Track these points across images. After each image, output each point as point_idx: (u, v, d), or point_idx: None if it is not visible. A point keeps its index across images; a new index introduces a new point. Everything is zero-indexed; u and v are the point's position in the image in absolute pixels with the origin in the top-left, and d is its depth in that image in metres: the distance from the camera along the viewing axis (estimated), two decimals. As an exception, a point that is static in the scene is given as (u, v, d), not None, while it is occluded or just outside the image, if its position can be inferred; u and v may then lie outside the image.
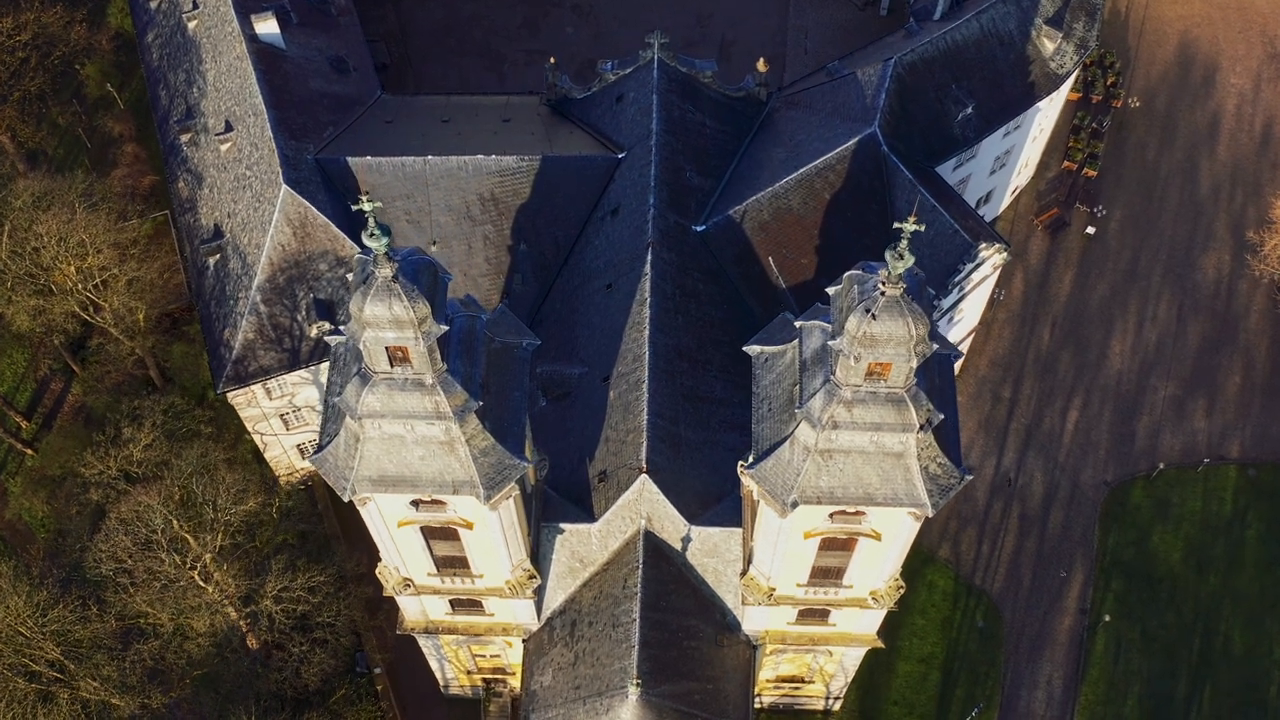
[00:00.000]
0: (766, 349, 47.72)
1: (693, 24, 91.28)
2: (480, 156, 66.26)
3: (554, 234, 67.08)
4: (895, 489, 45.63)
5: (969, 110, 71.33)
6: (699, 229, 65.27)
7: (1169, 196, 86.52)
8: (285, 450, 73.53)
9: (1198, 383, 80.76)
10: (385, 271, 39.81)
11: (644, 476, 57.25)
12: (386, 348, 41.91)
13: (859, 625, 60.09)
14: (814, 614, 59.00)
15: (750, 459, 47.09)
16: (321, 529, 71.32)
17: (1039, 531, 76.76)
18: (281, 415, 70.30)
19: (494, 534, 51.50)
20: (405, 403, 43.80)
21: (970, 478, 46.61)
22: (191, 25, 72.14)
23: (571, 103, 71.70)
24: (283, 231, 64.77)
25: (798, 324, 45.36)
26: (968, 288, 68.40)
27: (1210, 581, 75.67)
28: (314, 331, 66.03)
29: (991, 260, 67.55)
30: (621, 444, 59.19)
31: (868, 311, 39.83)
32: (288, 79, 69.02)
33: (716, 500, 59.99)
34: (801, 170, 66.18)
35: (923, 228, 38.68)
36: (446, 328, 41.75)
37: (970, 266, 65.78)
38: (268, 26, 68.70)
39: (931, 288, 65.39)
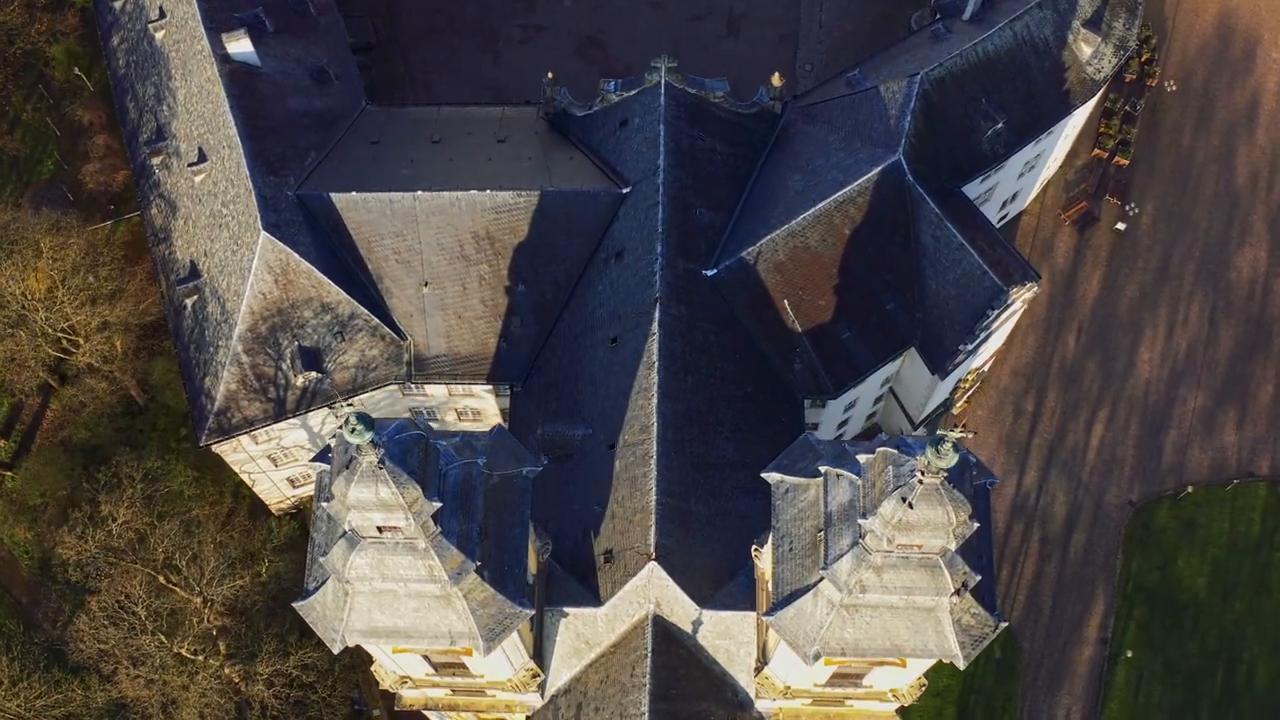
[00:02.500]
0: (788, 479, 44.03)
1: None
2: (474, 192, 61.54)
3: (554, 274, 62.76)
4: (925, 641, 42.48)
5: (1000, 126, 66.31)
6: (710, 273, 61.01)
7: (1204, 186, 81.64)
8: (275, 484, 70.26)
9: (1229, 393, 77.12)
10: (370, 458, 35.96)
11: (652, 564, 54.24)
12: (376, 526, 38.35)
13: (877, 706, 57.54)
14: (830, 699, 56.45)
15: (770, 605, 43.83)
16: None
17: (1060, 556, 73.99)
18: (269, 455, 66.85)
19: (495, 654, 48.50)
20: (396, 566, 40.37)
21: (1005, 624, 43.38)
22: (159, 36, 66.57)
23: (571, 120, 66.60)
24: (263, 279, 60.49)
25: (822, 469, 41.61)
26: (995, 326, 64.23)
27: (1236, 608, 73.17)
28: (300, 381, 62.20)
29: (1022, 297, 63.36)
30: (628, 523, 55.96)
31: (904, 500, 36.11)
32: (264, 101, 63.84)
33: (730, 576, 56.99)
34: (820, 205, 61.72)
35: (970, 436, 34.76)
36: (439, 504, 38.06)
37: (998, 311, 61.59)
38: (240, 45, 63.26)
39: (958, 333, 61.79)
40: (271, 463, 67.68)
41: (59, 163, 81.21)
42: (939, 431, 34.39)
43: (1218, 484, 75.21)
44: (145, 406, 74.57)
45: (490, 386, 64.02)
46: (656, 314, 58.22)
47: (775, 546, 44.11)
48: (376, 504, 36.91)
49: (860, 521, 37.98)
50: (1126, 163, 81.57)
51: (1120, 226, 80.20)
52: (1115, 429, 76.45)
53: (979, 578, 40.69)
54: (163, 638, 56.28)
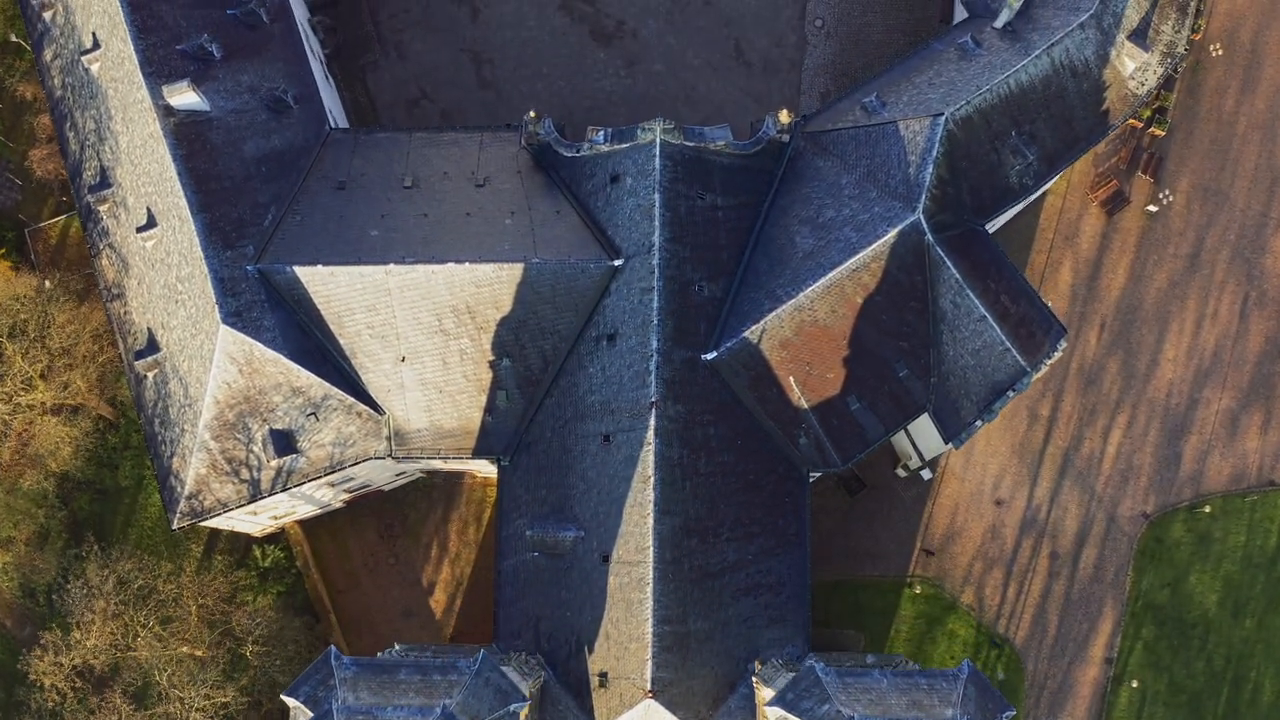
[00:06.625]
0: (790, 718, 41.24)
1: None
2: (451, 265, 56.22)
3: (541, 348, 58.10)
4: None
5: (1031, 160, 60.27)
6: (709, 357, 56.38)
7: (1245, 159, 75.31)
8: (255, 522, 67.44)
9: (1255, 394, 73.26)
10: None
11: (649, 701, 52.16)
12: None
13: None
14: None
15: None
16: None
17: (1069, 573, 71.89)
18: (248, 512, 63.78)
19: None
20: None
21: None
22: (94, 68, 59.48)
23: (558, 159, 60.27)
24: (226, 370, 55.99)
25: (830, 748, 38.84)
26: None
27: (1246, 625, 71.62)
28: (274, 463, 58.50)
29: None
30: (624, 649, 53.61)
31: None
32: (215, 156, 57.53)
33: (730, 688, 55.21)
34: (830, 275, 56.74)
35: None
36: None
37: (1017, 394, 57.40)
38: (184, 98, 56.47)
39: (975, 405, 57.88)
40: (251, 514, 64.65)
41: (3, 143, 74.67)
42: None
43: (1236, 494, 72.37)
44: (116, 423, 70.93)
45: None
46: (652, 421, 54.15)
47: (778, 786, 41.78)
48: None
49: None
50: (1162, 133, 74.94)
51: (1152, 208, 74.41)
52: (1134, 435, 72.99)
53: None
54: (147, 752, 54.79)
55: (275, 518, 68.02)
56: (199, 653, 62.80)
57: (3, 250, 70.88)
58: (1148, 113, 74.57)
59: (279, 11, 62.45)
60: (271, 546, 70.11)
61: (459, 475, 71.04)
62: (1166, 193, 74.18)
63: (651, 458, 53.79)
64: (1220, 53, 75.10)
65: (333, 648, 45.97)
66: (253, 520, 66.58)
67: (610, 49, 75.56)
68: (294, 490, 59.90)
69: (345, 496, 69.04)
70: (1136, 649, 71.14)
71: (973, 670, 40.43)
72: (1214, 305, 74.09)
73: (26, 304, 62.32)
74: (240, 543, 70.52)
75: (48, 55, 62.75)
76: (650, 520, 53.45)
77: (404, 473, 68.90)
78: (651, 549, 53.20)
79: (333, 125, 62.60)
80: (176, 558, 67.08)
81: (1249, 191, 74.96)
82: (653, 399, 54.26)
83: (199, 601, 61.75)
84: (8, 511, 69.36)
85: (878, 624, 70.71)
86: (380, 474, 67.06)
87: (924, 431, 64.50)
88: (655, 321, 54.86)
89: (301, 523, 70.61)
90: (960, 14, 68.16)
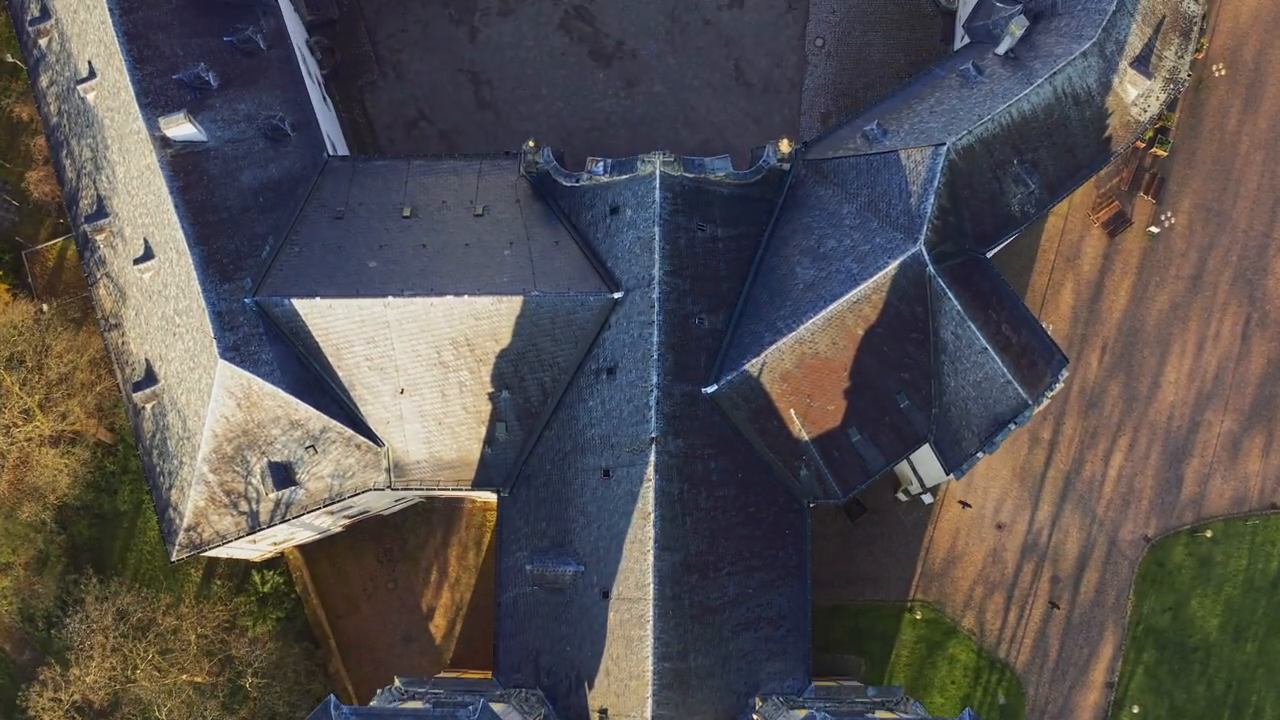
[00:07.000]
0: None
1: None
2: (450, 297, 55.89)
3: (540, 380, 57.77)
4: None
5: (1033, 189, 59.93)
6: (710, 390, 56.08)
7: (1247, 179, 74.92)
8: (254, 548, 67.24)
9: (1257, 416, 73.00)
10: None
11: (650, 739, 52.09)
12: None
13: None
14: None
15: None
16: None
17: (1070, 597, 71.70)
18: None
19: None
20: None
21: None
22: (90, 97, 59.07)
23: (557, 188, 59.90)
24: (225, 404, 55.68)
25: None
26: (1016, 423, 59.91)
27: (1247, 650, 71.46)
28: (273, 496, 58.24)
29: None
30: (624, 686, 53.44)
31: None
32: (213, 187, 57.14)
33: (729, 722, 55.07)
34: (831, 307, 56.37)
35: None
36: None
37: (1019, 426, 57.13)
38: (181, 129, 56.07)
39: (976, 436, 57.65)
40: (250, 542, 64.43)
41: (0, 164, 74.32)
42: None
43: (1237, 518, 72.17)
44: (114, 447, 70.61)
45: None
46: (652, 457, 53.87)
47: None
48: None
49: None
50: (1165, 153, 74.55)
51: (1153, 229, 74.05)
52: (1135, 458, 72.74)
53: None
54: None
55: (275, 544, 67.79)
56: (198, 679, 62.70)
57: (0, 273, 70.64)
58: (1150, 133, 74.13)
59: (276, 38, 61.96)
60: (270, 571, 69.86)
61: (459, 499, 70.83)
62: (1168, 214, 73.83)
63: (652, 494, 53.58)
64: (1223, 72, 74.70)
65: (332, 697, 45.86)
66: (252, 547, 66.33)
67: (610, 70, 75.14)
68: (293, 521, 59.55)
69: (345, 522, 68.81)
70: (1137, 673, 71.00)
71: (974, 719, 40.25)
72: (1216, 327, 73.78)
73: (24, 332, 61.97)
74: (239, 567, 70.34)
75: (44, 81, 62.28)
76: (650, 557, 53.28)
77: (404, 498, 68.68)
78: (652, 586, 53.03)
79: (331, 152, 62.21)
80: (175, 585, 66.96)
81: (1251, 212, 74.60)
82: (653, 434, 54.03)
83: (198, 631, 61.57)
84: (6, 537, 69.10)
85: (878, 649, 70.56)
86: (380, 501, 66.76)
87: (925, 459, 64.18)
88: (655, 356, 54.59)
89: (300, 547, 70.40)
90: (961, 34, 67.79)
